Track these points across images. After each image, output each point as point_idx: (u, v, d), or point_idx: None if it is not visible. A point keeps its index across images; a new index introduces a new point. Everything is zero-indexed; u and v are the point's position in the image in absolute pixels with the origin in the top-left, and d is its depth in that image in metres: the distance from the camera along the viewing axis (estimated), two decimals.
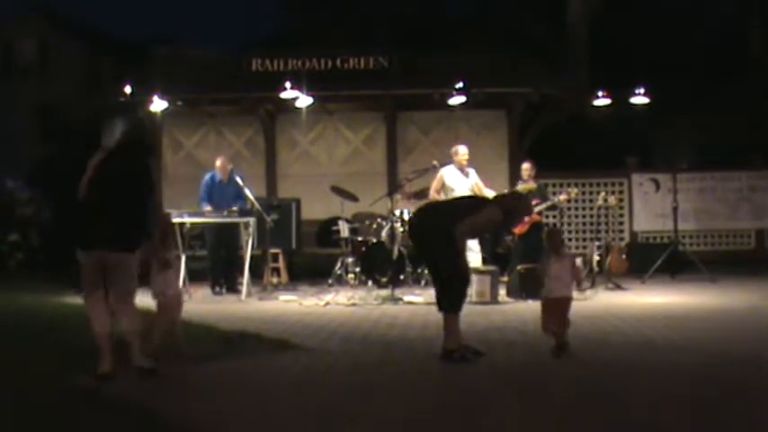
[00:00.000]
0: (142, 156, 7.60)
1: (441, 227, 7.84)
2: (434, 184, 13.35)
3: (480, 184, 13.34)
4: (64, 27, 33.68)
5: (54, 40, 32.56)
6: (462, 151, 13.47)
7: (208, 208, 13.39)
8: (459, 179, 13.29)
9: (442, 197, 12.90)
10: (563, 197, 14.20)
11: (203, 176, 14.11)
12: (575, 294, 12.44)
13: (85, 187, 7.10)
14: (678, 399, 6.25)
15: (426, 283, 13.70)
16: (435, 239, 7.86)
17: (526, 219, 13.27)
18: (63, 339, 8.85)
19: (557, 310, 7.94)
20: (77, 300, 12.11)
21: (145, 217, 7.27)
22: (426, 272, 13.82)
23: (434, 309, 11.29)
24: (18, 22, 32.42)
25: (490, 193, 12.44)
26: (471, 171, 13.49)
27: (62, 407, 6.22)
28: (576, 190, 15.25)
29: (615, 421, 5.72)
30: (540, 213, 13.71)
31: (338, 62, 17.38)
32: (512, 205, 8.24)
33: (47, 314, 11.15)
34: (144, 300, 7.70)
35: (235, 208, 13.15)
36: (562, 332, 7.89)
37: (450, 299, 7.86)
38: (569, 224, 17.28)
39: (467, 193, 12.92)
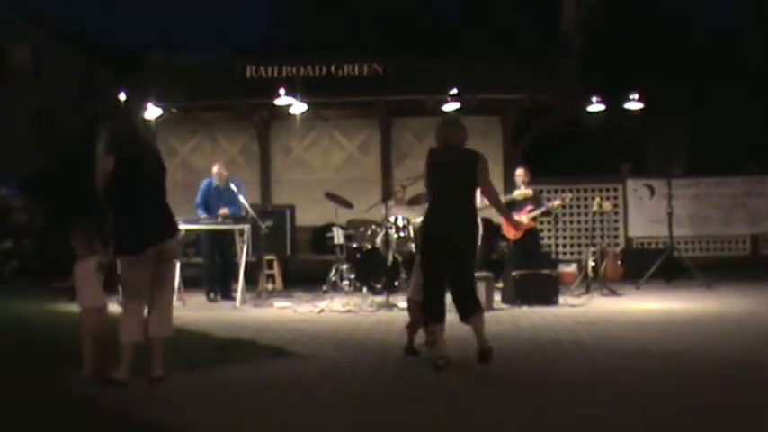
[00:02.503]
0: (155, 144, 7.74)
1: (477, 229, 7.98)
2: None
3: None
4: (58, 34, 33.63)
5: (49, 46, 32.49)
6: None
7: (203, 215, 13.39)
8: None
9: None
10: (557, 203, 14.18)
11: (199, 183, 14.13)
12: (570, 300, 12.60)
13: (112, 190, 7.06)
14: (671, 405, 6.24)
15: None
16: (474, 243, 7.97)
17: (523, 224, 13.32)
18: (59, 347, 8.81)
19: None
20: (72, 307, 12.20)
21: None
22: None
23: None
24: (12, 29, 32.36)
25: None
26: None
27: (59, 415, 6.19)
28: (570, 196, 15.26)
29: (608, 428, 5.72)
30: (534, 219, 13.70)
31: (332, 69, 17.39)
32: None
33: (41, 322, 11.12)
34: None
35: (224, 210, 13.14)
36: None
37: (477, 296, 7.98)
38: (564, 230, 17.30)
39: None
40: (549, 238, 17.04)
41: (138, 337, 7.04)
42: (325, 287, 14.07)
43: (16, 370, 7.66)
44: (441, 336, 7.80)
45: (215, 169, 13.93)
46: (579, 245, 17.24)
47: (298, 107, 15.84)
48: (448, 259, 7.84)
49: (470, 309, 7.78)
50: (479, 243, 8.11)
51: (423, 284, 8.07)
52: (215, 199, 13.70)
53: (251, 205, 13.43)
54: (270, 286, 14.60)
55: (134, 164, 7.14)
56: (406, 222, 13.64)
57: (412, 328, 8.45)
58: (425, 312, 7.99)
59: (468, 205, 7.91)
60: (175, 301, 12.58)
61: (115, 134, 7.42)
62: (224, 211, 13.22)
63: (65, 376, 7.27)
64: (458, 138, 8.23)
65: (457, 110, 15.98)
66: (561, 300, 12.53)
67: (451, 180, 7.96)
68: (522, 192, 13.72)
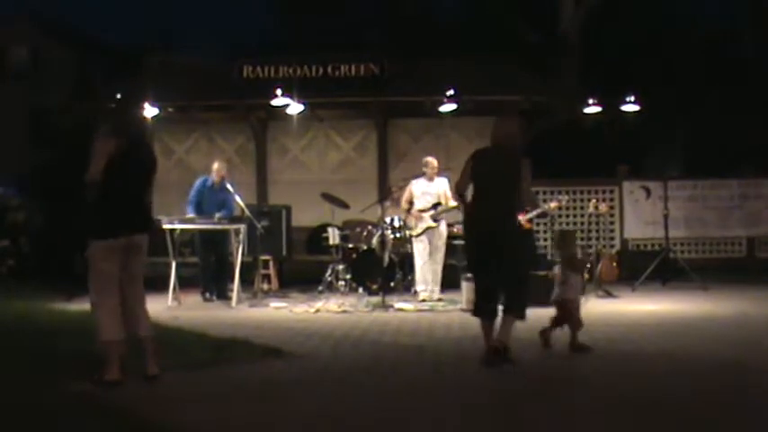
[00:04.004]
0: (148, 142, 7.82)
1: (518, 224, 8.12)
2: (405, 195, 13.49)
3: (449, 193, 13.29)
4: (57, 34, 33.69)
5: (47, 46, 32.56)
6: (427, 163, 13.57)
7: (191, 214, 13.35)
8: (423, 188, 13.41)
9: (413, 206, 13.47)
10: (554, 205, 14.19)
11: (195, 181, 14.08)
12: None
13: (103, 173, 7.03)
14: (667, 406, 6.25)
15: (416, 292, 13.70)
16: (517, 236, 7.98)
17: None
18: (56, 346, 8.81)
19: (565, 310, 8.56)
20: (69, 306, 12.20)
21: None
22: (414, 279, 13.87)
23: (426, 315, 11.43)
24: (11, 29, 32.41)
25: (453, 203, 13.05)
26: (442, 180, 13.46)
27: (57, 414, 6.19)
28: (566, 197, 15.28)
29: (604, 428, 5.73)
30: (530, 221, 13.70)
31: (329, 69, 17.36)
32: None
33: (39, 321, 11.09)
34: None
35: (219, 215, 13.09)
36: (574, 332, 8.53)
37: (525, 303, 7.96)
38: None
39: (431, 200, 13.29)
40: (545, 239, 17.04)
41: (120, 335, 7.03)
42: (320, 287, 14.04)
43: (14, 370, 7.65)
44: (486, 332, 7.91)
45: (215, 166, 13.87)
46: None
47: (294, 107, 15.83)
48: (489, 249, 7.93)
49: (507, 307, 7.89)
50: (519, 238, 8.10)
51: (473, 280, 8.29)
52: (208, 199, 13.66)
53: (247, 205, 13.43)
54: (265, 286, 14.59)
55: (131, 156, 7.18)
56: (402, 223, 13.66)
57: (554, 323, 8.69)
58: (474, 308, 8.18)
59: (508, 199, 7.96)
60: (171, 301, 12.72)
61: (119, 123, 7.45)
62: (219, 214, 13.14)
63: (63, 376, 7.28)
64: (499, 134, 8.24)
65: (453, 111, 16.00)
66: None
67: (492, 176, 8.04)
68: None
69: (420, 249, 13.29)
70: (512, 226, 8.00)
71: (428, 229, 13.20)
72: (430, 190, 13.32)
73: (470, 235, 8.29)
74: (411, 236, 13.47)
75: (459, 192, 8.28)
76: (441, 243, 13.38)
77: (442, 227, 13.38)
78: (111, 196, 7.08)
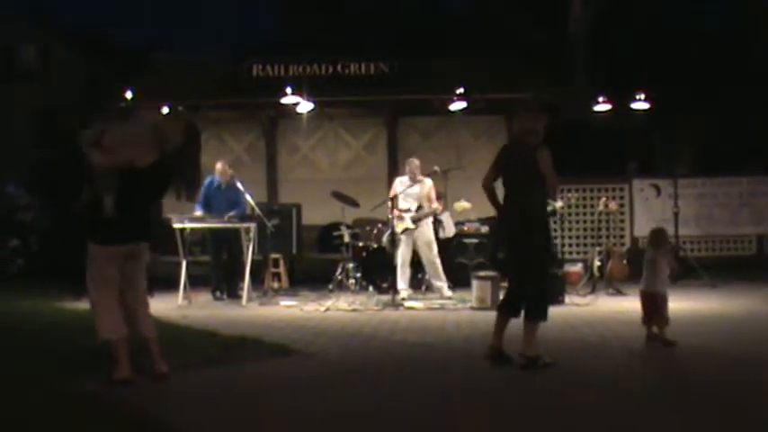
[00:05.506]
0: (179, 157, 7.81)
1: (541, 221, 7.96)
2: (390, 192, 13.49)
3: (432, 194, 13.41)
4: (65, 33, 33.71)
5: (55, 46, 32.56)
6: (409, 163, 13.66)
7: (198, 213, 13.35)
8: (404, 187, 13.41)
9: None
10: (559, 204, 14.16)
11: (204, 182, 14.11)
12: (576, 300, 12.57)
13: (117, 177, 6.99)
14: (677, 405, 6.24)
15: (427, 289, 13.70)
16: (538, 237, 7.85)
17: None
18: (64, 344, 8.82)
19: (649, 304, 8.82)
20: (78, 305, 12.23)
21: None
22: (426, 277, 13.85)
23: (436, 313, 11.44)
24: (19, 29, 32.43)
25: (435, 205, 13.31)
26: (425, 181, 13.45)
27: (63, 412, 6.20)
28: (576, 195, 15.26)
29: (610, 428, 5.73)
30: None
31: (339, 68, 17.39)
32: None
33: (47, 320, 11.13)
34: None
35: (230, 214, 13.06)
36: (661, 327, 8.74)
37: (545, 305, 7.88)
38: (570, 229, 17.27)
39: (410, 201, 13.37)
40: (555, 237, 17.01)
41: (121, 332, 7.03)
42: (331, 286, 14.04)
43: (22, 368, 7.67)
44: (498, 328, 7.89)
45: (218, 167, 13.90)
46: (585, 244, 17.22)
47: (304, 106, 15.84)
48: (512, 248, 7.97)
49: (526, 311, 7.77)
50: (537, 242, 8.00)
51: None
52: (216, 198, 13.66)
53: (257, 204, 13.45)
54: (276, 285, 14.61)
55: (147, 172, 7.14)
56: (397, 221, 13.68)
57: (647, 318, 8.89)
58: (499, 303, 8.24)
59: (527, 197, 7.87)
60: (182, 300, 12.74)
61: (168, 136, 7.41)
62: (231, 214, 13.11)
63: (71, 374, 7.29)
64: (519, 130, 8.28)
65: (463, 109, 15.99)
66: (567, 299, 12.52)
67: (512, 175, 8.06)
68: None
69: (401, 250, 13.25)
70: (530, 225, 7.82)
71: (406, 230, 13.17)
72: (410, 191, 13.26)
73: (501, 234, 8.35)
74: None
75: (484, 186, 8.15)
76: (423, 243, 13.30)
77: (424, 228, 13.32)
78: (126, 204, 7.02)
